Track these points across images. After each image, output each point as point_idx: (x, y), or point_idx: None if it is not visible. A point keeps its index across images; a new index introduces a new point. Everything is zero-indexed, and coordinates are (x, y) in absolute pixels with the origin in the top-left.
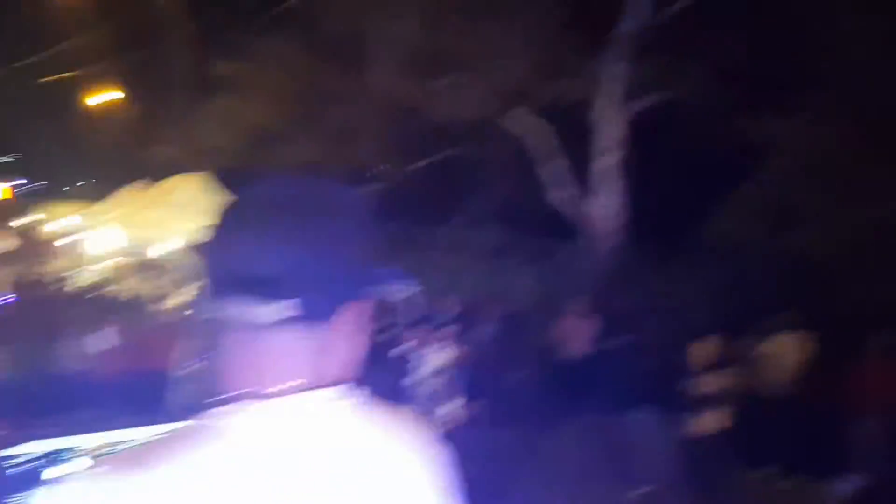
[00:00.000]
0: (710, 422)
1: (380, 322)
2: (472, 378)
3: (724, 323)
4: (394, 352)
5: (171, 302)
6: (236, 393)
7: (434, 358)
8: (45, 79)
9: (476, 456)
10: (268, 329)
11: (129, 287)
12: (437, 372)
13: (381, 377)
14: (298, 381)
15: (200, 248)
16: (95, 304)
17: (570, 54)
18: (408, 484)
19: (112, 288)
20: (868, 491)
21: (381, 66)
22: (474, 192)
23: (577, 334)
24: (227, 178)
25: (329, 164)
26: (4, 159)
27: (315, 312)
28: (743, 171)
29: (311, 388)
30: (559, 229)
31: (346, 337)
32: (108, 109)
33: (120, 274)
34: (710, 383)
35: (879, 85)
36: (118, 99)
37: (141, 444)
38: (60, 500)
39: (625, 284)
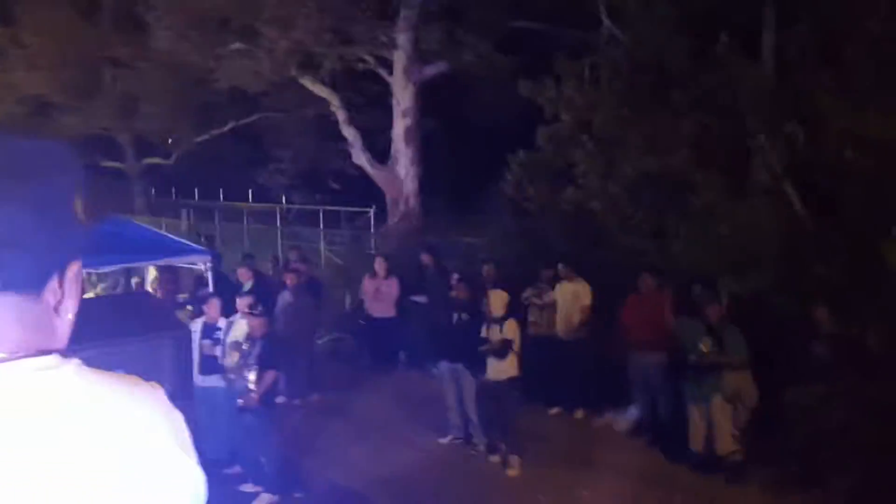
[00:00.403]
0: (504, 367)
1: (183, 292)
2: (276, 344)
3: (513, 275)
4: (196, 322)
5: None
6: None
7: (238, 327)
8: None
9: (283, 422)
10: None
11: None
12: (240, 341)
13: (186, 348)
14: (4, 351)
15: None
16: None
17: (359, 21)
18: (136, 448)
19: None
20: (645, 419)
21: (163, 33)
22: (274, 159)
23: (380, 294)
24: None
25: (117, 135)
26: None
27: (21, 278)
28: (525, 133)
29: (15, 358)
30: (359, 194)
31: (54, 303)
32: None
33: None
34: (503, 331)
35: (644, 49)
36: None
37: None
38: None
39: (423, 243)
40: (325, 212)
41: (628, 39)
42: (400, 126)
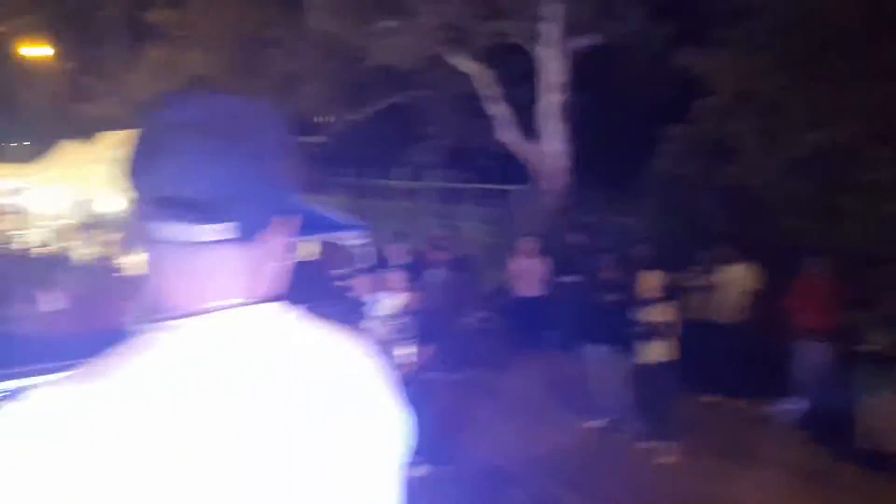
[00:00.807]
0: (659, 352)
1: (338, 267)
2: (426, 321)
3: (668, 255)
4: (349, 297)
5: (116, 256)
6: (177, 310)
7: (388, 303)
8: None
9: (434, 397)
10: (202, 248)
11: (73, 244)
12: (392, 316)
13: (346, 319)
14: (238, 297)
15: (131, 172)
16: (41, 264)
17: None
18: (359, 390)
19: (56, 246)
20: (808, 411)
21: (318, 12)
22: (422, 137)
23: (528, 274)
24: None
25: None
26: None
27: (246, 230)
28: (680, 107)
29: (247, 304)
30: (507, 171)
31: (276, 254)
32: (41, 67)
33: (63, 232)
34: (658, 314)
35: (809, 12)
36: (51, 56)
37: (94, 360)
38: (24, 411)
39: (572, 222)
40: (473, 189)
41: (791, 2)
42: (549, 101)
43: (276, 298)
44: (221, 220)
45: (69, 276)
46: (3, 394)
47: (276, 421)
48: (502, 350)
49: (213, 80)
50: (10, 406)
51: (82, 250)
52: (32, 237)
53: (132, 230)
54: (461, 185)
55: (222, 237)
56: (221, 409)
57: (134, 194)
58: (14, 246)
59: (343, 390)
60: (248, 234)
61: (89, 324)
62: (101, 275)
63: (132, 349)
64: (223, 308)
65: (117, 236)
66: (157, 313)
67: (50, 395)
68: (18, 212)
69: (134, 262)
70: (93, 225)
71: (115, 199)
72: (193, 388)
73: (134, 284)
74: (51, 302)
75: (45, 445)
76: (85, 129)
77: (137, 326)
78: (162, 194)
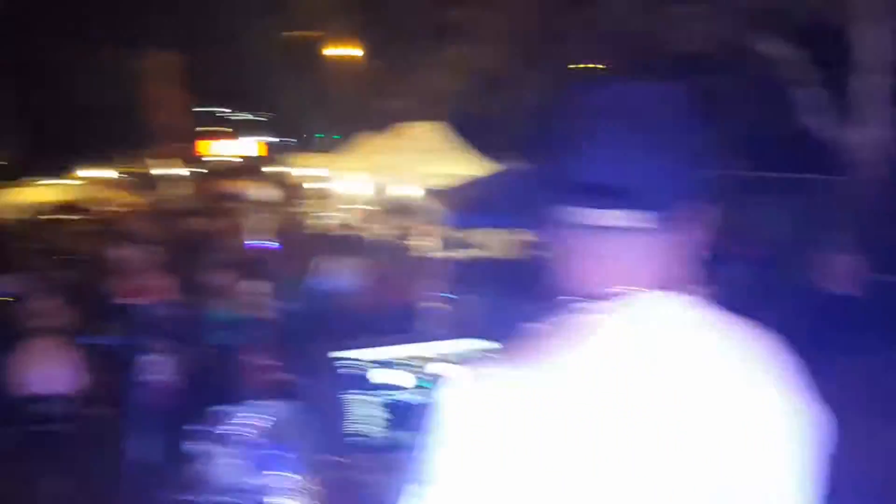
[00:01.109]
0: None
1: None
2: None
3: None
4: None
5: (411, 239)
6: (592, 293)
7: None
8: (289, 34)
9: None
10: (622, 234)
11: (372, 227)
12: None
13: None
14: (653, 284)
15: (550, 158)
16: (344, 243)
17: None
18: (756, 388)
19: (357, 228)
20: None
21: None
22: (723, 124)
23: (838, 270)
24: (462, 122)
25: None
26: (258, 118)
27: (665, 219)
28: None
29: (666, 291)
30: (811, 160)
31: (693, 242)
32: (347, 66)
33: (363, 215)
34: None
35: None
36: (355, 56)
37: (521, 339)
38: (469, 397)
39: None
40: (775, 179)
41: None
42: (871, 83)
43: (690, 288)
44: (642, 208)
45: (370, 255)
46: (364, 363)
47: (683, 409)
48: (808, 352)
49: (503, 74)
50: (459, 385)
51: (380, 232)
52: (337, 219)
53: (539, 214)
54: (762, 174)
55: (642, 224)
56: (640, 392)
57: (549, 179)
58: (320, 226)
59: (746, 385)
60: (667, 223)
61: (389, 300)
62: (398, 255)
63: (557, 328)
64: (640, 293)
65: (413, 220)
66: (569, 296)
67: (496, 374)
68: (325, 196)
69: (427, 244)
70: (390, 209)
71: (411, 186)
72: (617, 368)
73: (428, 265)
74: (355, 278)
75: (499, 421)
76: (384, 123)
77: (554, 307)
78: (585, 180)
